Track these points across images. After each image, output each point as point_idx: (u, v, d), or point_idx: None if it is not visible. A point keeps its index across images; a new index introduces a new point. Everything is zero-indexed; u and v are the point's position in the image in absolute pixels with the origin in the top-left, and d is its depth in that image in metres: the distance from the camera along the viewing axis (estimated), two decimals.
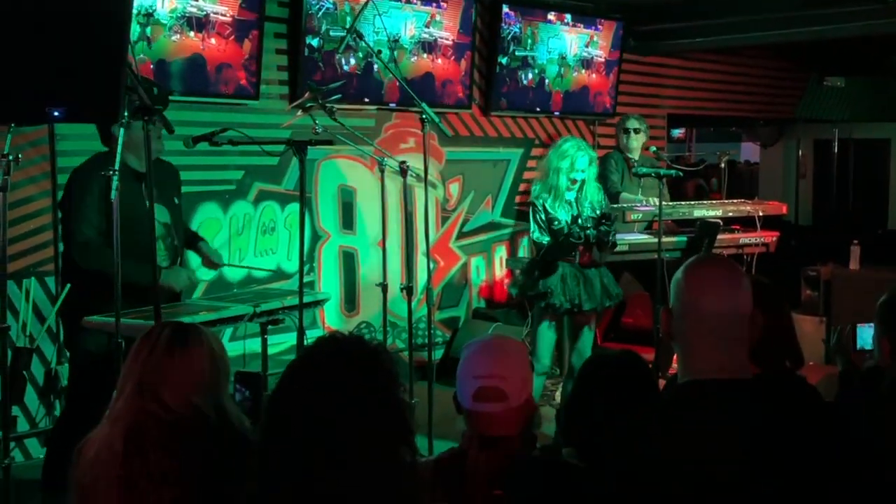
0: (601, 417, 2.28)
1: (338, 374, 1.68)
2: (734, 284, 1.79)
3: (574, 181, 4.85)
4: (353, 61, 5.60)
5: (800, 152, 10.37)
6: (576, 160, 4.84)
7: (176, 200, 4.05)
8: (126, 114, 3.12)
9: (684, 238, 5.86)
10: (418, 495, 1.70)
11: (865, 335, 2.55)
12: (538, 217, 4.86)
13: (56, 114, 2.86)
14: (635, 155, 6.28)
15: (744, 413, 1.72)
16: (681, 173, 5.58)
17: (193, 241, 4.25)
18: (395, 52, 5.82)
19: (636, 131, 6.29)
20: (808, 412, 1.84)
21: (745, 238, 6.10)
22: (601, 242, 4.83)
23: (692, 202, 6.79)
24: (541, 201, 4.86)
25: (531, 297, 5.02)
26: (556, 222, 4.80)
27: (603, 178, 6.46)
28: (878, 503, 1.97)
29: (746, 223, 6.20)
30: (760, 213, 6.16)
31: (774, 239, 6.21)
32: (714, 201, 6.82)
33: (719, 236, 5.92)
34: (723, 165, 6.57)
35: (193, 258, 4.35)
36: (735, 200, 6.57)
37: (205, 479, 2.12)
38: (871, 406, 2.06)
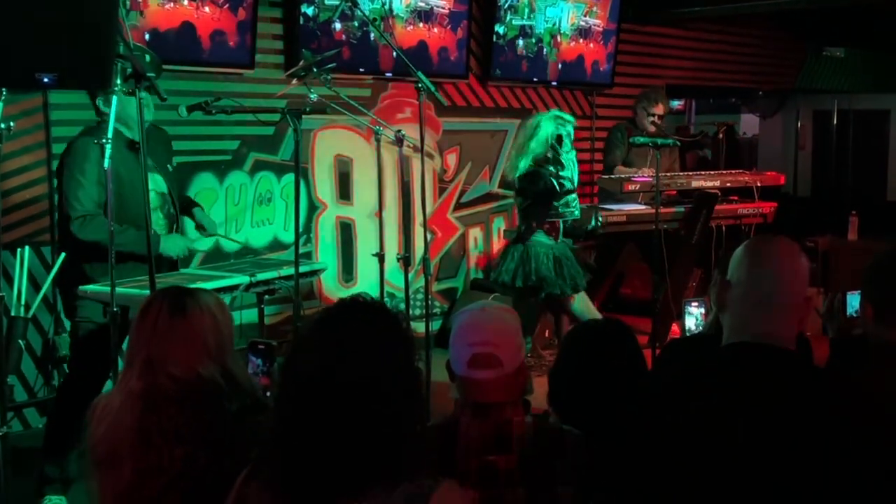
0: (587, 385, 2.28)
1: (357, 336, 1.66)
2: (794, 262, 1.87)
3: (560, 137, 4.92)
4: (339, 25, 5.53)
5: (799, 123, 10.33)
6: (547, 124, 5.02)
7: (170, 167, 4.03)
8: (118, 81, 3.10)
9: (682, 209, 5.85)
10: (424, 461, 1.70)
11: (855, 302, 2.54)
12: (547, 176, 4.88)
13: (46, 80, 2.84)
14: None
15: (774, 378, 1.77)
16: (677, 143, 5.56)
17: (189, 206, 4.25)
18: (391, 21, 5.78)
19: (660, 118, 6.22)
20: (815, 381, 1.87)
21: (742, 209, 6.09)
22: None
23: (690, 173, 6.78)
24: (546, 168, 4.91)
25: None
26: (565, 181, 4.84)
27: (606, 151, 6.45)
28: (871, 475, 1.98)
29: (744, 194, 6.19)
30: (758, 184, 6.15)
31: (772, 209, 6.21)
32: (712, 172, 6.80)
33: (717, 207, 5.91)
34: (721, 136, 6.55)
35: (189, 225, 4.34)
36: (733, 171, 6.55)
37: (216, 440, 2.13)
38: (858, 372, 2.08)
